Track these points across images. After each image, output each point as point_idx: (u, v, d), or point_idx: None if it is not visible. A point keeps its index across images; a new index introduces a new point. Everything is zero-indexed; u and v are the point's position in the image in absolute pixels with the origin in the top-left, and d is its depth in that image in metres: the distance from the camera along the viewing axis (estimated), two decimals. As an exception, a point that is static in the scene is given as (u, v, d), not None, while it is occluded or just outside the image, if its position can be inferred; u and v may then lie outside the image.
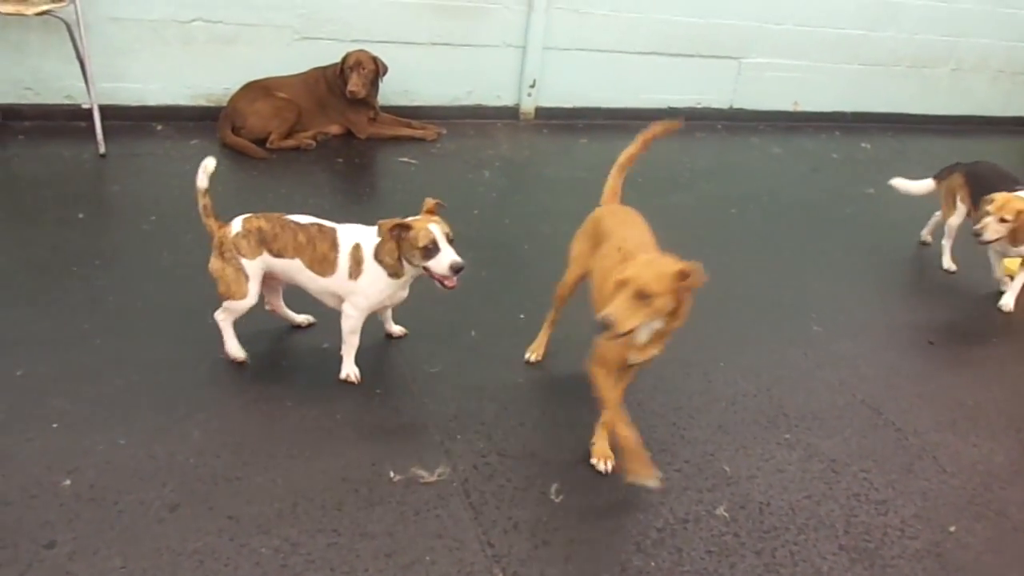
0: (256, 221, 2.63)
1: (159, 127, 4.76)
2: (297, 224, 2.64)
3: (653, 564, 2.16)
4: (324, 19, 4.95)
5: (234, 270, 2.60)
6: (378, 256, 2.57)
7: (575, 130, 5.75)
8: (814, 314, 3.54)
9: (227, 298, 2.64)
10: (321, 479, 2.31)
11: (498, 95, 5.65)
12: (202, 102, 4.90)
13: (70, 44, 4.24)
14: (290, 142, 4.73)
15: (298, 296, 2.82)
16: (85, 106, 4.36)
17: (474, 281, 3.36)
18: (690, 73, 6.05)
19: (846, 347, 3.32)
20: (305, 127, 4.85)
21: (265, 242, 2.61)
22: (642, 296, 2.11)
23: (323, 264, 2.61)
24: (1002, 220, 3.52)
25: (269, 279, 2.73)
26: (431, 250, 2.47)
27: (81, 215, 3.65)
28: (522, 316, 3.25)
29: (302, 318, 2.98)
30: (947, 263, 4.15)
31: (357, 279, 2.60)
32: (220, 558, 2.02)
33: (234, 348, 2.74)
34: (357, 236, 2.62)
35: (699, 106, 6.22)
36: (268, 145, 4.64)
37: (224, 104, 4.77)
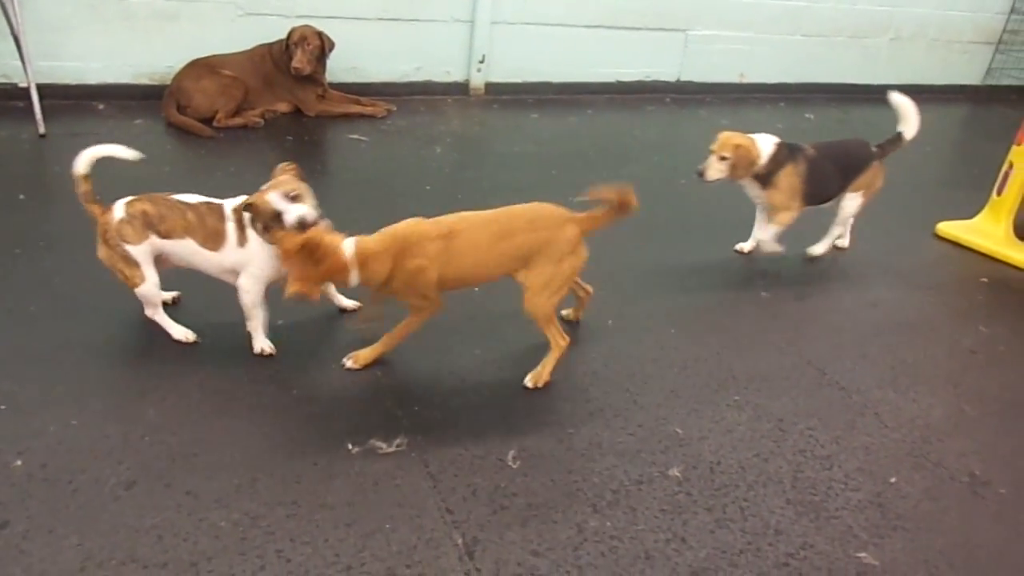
0: (140, 204, 2.56)
1: (101, 106, 4.64)
2: (185, 204, 2.58)
3: (609, 524, 2.22)
4: (269, -6, 4.87)
5: (121, 258, 2.57)
6: (254, 225, 2.56)
7: (525, 105, 5.77)
8: (761, 280, 3.64)
9: (130, 287, 2.61)
10: (279, 453, 2.31)
11: (447, 71, 5.63)
12: (145, 80, 4.80)
13: (3, 20, 4.10)
14: (237, 120, 4.66)
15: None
16: (22, 85, 4.23)
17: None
18: (638, 46, 6.11)
19: (793, 310, 3.42)
20: (252, 105, 4.78)
21: (151, 225, 2.55)
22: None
23: (215, 239, 2.57)
24: (722, 158, 3.41)
25: (156, 262, 2.66)
26: (278, 216, 2.46)
27: (22, 196, 3.55)
28: (476, 290, 3.27)
29: (170, 295, 2.89)
30: (841, 242, 4.04)
31: (245, 246, 2.57)
32: (179, 533, 2.02)
33: (178, 332, 2.73)
34: (238, 203, 2.58)
35: (648, 79, 6.28)
36: (215, 124, 4.57)
37: (168, 82, 4.67)
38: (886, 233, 4.31)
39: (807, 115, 6.37)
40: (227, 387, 2.56)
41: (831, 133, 6.14)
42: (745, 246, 3.91)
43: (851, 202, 3.79)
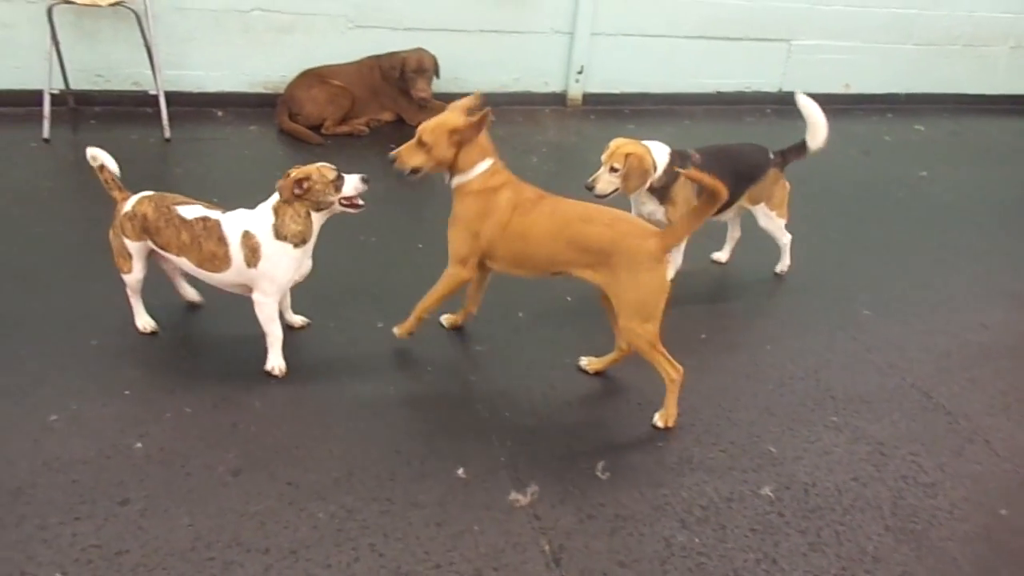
0: (144, 206, 2.59)
1: (220, 113, 4.92)
2: (181, 220, 2.55)
3: (697, 540, 2.20)
4: (376, 8, 5.05)
5: (120, 245, 2.65)
6: (281, 232, 2.51)
7: (622, 115, 5.76)
8: (863, 297, 3.52)
9: (120, 271, 2.69)
10: (375, 451, 2.40)
11: (545, 81, 5.69)
12: (260, 89, 5.05)
13: (139, 33, 4.41)
14: (344, 128, 4.85)
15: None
16: (151, 92, 4.53)
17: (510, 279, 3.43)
18: (739, 57, 6.01)
19: (896, 331, 3.29)
20: (358, 114, 4.96)
21: (148, 232, 2.59)
22: (421, 144, 2.56)
23: (214, 262, 2.56)
24: (613, 169, 3.06)
25: (160, 259, 2.72)
26: (339, 179, 2.52)
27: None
28: (569, 299, 3.30)
29: (193, 293, 2.96)
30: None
31: (257, 266, 2.54)
32: (280, 520, 2.13)
33: (140, 320, 2.79)
34: (245, 223, 2.54)
35: (748, 90, 6.17)
36: (323, 131, 4.77)
37: (281, 91, 4.90)
38: (998, 251, 4.09)
39: (917, 126, 6.11)
40: (328, 385, 2.67)
41: (944, 145, 5.88)
42: (721, 255, 3.70)
43: (763, 218, 3.46)
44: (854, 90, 6.36)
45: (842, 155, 5.41)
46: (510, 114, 5.46)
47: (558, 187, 4.57)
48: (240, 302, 2.91)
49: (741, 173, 3.30)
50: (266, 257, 2.52)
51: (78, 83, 4.65)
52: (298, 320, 2.93)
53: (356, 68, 4.99)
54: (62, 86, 4.53)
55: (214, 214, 2.57)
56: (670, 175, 3.12)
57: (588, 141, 5.27)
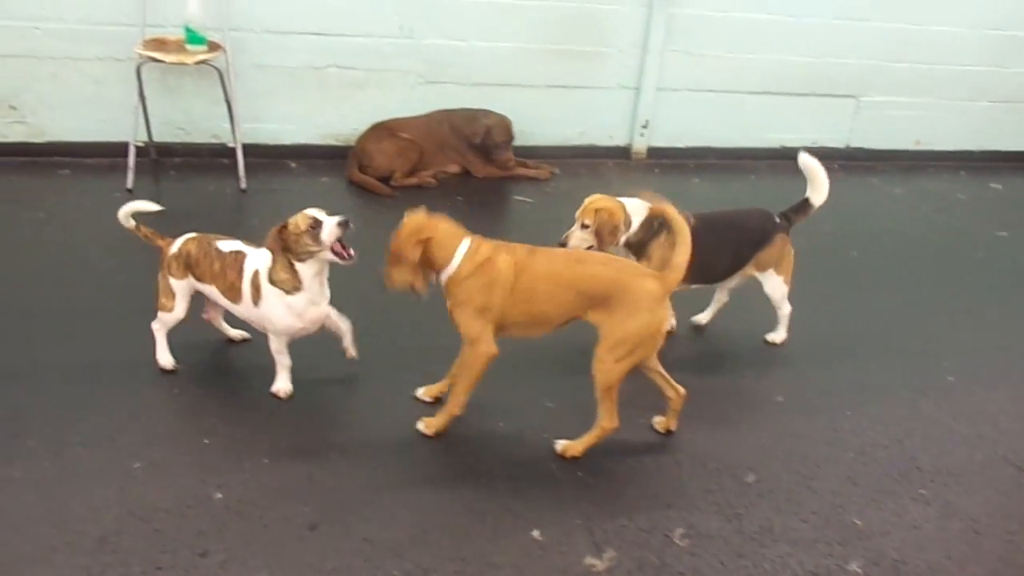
0: (189, 244, 2.72)
1: (293, 164, 5.06)
2: (217, 251, 2.68)
3: (781, 615, 2.12)
4: (447, 64, 5.17)
5: (166, 285, 2.76)
6: (272, 277, 2.54)
7: (686, 170, 5.75)
8: (947, 363, 3.39)
9: (159, 310, 2.80)
10: (449, 507, 2.38)
11: (610, 135, 5.72)
12: (331, 141, 5.19)
13: (219, 89, 4.59)
14: (412, 180, 4.94)
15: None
16: (230, 145, 4.70)
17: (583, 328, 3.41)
18: (805, 112, 5.96)
19: (984, 398, 3.16)
20: (426, 166, 5.05)
21: (190, 267, 2.72)
22: (396, 260, 2.49)
23: (232, 292, 2.66)
24: (584, 226, 3.01)
25: (212, 304, 2.84)
26: (316, 227, 2.45)
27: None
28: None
29: (236, 333, 3.05)
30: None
31: (259, 306, 2.61)
32: (357, 578, 2.12)
33: (163, 358, 2.87)
34: (258, 262, 2.61)
35: (814, 145, 6.09)
36: (392, 183, 4.87)
37: (352, 144, 5.03)
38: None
39: (993, 185, 5.95)
40: (399, 439, 2.67)
41: (1022, 205, 5.71)
42: (702, 318, 3.52)
43: (770, 285, 3.29)
44: (925, 147, 6.24)
45: (915, 213, 5.30)
46: (575, 167, 5.50)
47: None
48: (317, 353, 2.96)
49: (745, 241, 3.21)
50: (264, 299, 2.60)
51: (160, 136, 4.84)
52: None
53: (425, 121, 5.10)
54: (146, 139, 4.72)
55: (245, 249, 2.69)
56: (647, 232, 3.08)
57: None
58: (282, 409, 2.76)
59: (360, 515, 2.33)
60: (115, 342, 3.04)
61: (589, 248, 3.00)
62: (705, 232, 3.03)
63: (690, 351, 3.35)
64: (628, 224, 3.07)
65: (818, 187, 3.29)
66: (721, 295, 3.50)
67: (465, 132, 5.03)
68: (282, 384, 2.78)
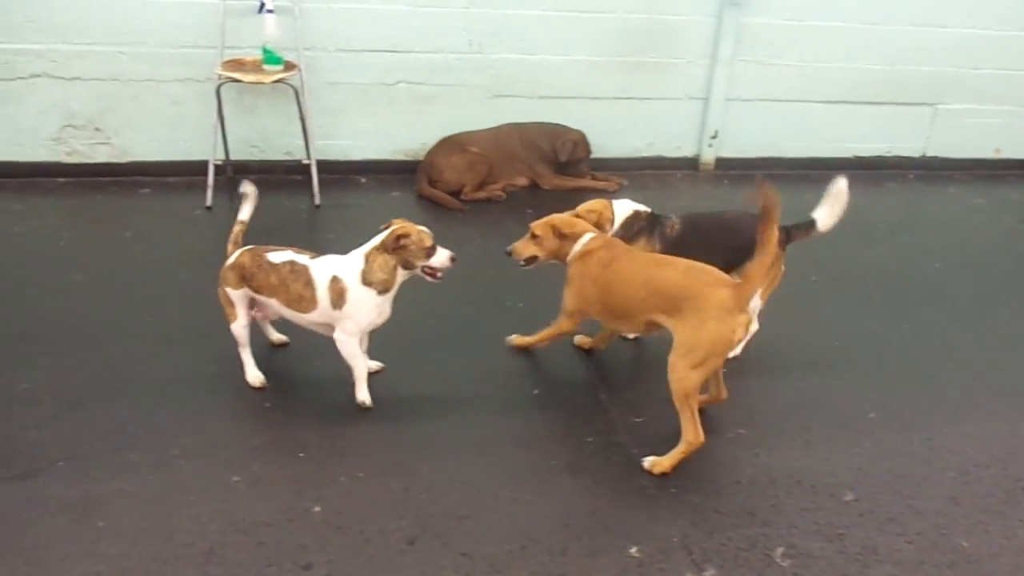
0: (243, 257, 2.82)
1: (363, 180, 5.14)
2: (270, 264, 2.77)
3: (891, 640, 2.05)
4: (515, 78, 5.20)
5: (225, 296, 2.86)
6: (368, 278, 2.69)
7: (755, 181, 5.66)
8: (1049, 378, 3.28)
9: (227, 320, 2.89)
10: (544, 523, 2.37)
11: (678, 146, 5.68)
12: (401, 156, 5.25)
13: (293, 107, 4.69)
14: (482, 194, 4.97)
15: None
16: (304, 161, 4.79)
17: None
18: (879, 121, 5.83)
19: (1089, 416, 3.04)
20: (495, 179, 5.08)
21: (245, 279, 2.81)
22: (533, 237, 2.97)
23: (301, 303, 2.75)
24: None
25: (258, 305, 2.92)
26: (432, 248, 2.70)
27: (304, 262, 4.00)
28: (724, 370, 3.21)
29: (277, 337, 3.18)
30: None
31: (343, 308, 2.71)
32: (458, 594, 2.12)
33: (252, 375, 2.95)
34: (333, 268, 2.72)
35: (889, 154, 5.97)
36: (462, 197, 4.90)
37: (421, 158, 5.09)
38: None
39: (1078, 193, 5.74)
40: (492, 451, 2.67)
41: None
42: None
43: None
44: (1005, 155, 6.05)
45: (998, 224, 5.14)
46: (642, 179, 5.47)
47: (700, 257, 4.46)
48: (401, 366, 2.99)
49: (729, 247, 2.96)
50: (351, 300, 2.70)
51: (236, 154, 4.96)
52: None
53: (494, 135, 5.13)
54: (223, 157, 4.85)
55: (302, 259, 2.78)
56: (628, 231, 3.11)
57: (722, 206, 5.18)
58: (371, 423, 2.79)
59: (457, 529, 2.33)
60: (206, 357, 3.11)
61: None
62: (689, 235, 3.06)
63: (775, 360, 3.29)
64: (609, 223, 3.15)
65: (831, 213, 3.01)
66: None
67: (543, 146, 5.06)
68: (364, 395, 2.86)
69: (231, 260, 2.85)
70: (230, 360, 3.04)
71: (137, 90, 4.79)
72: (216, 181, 4.68)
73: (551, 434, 2.77)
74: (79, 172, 4.92)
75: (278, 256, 2.79)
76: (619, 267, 2.76)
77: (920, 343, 3.51)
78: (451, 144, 5.05)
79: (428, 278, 2.76)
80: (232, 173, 4.99)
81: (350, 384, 2.88)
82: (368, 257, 2.70)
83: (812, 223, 3.05)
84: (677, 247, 3.01)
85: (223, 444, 2.65)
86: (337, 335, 2.78)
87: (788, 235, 3.05)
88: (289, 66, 4.56)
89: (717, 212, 3.27)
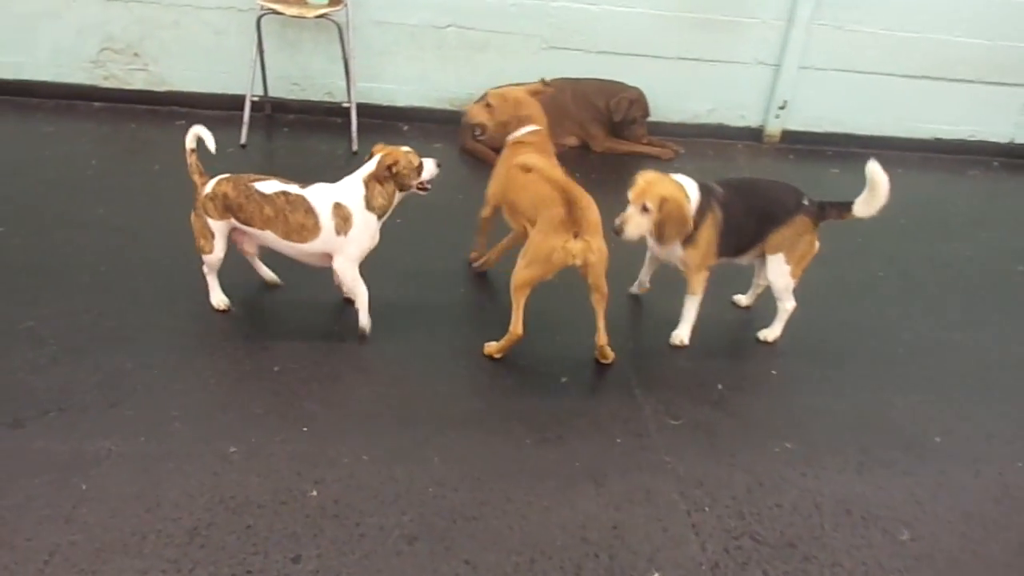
0: (223, 186, 2.72)
1: (405, 127, 4.88)
2: (262, 195, 2.69)
3: None
4: (573, 30, 4.85)
5: (201, 226, 2.77)
6: (371, 204, 2.74)
7: (824, 157, 5.25)
8: None
9: (200, 252, 2.82)
10: (559, 535, 2.15)
11: (742, 115, 5.28)
12: (446, 105, 4.97)
13: (337, 45, 4.43)
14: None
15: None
16: (344, 104, 4.54)
17: (716, 327, 3.11)
18: (965, 101, 5.34)
19: None
20: (543, 137, 4.77)
21: (230, 209, 2.72)
22: (487, 105, 3.23)
23: (301, 232, 2.72)
24: (644, 210, 2.70)
25: (239, 236, 2.86)
26: (420, 165, 2.78)
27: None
28: (773, 372, 2.93)
29: (270, 275, 3.10)
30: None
31: (347, 234, 2.72)
32: (456, 606, 1.92)
33: (216, 298, 2.92)
34: (334, 196, 2.73)
35: (972, 139, 5.48)
36: (506, 154, 4.61)
37: (466, 110, 4.79)
38: None
39: None
40: (510, 446, 2.45)
41: None
42: (743, 299, 3.31)
43: (774, 270, 2.94)
44: (1107, 146, 5.53)
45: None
46: (700, 147, 5.11)
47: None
48: (426, 334, 2.78)
49: (766, 213, 2.88)
50: (356, 225, 2.73)
51: (276, 91, 4.74)
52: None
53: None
54: (261, 93, 4.63)
55: (293, 188, 2.74)
56: (699, 215, 2.79)
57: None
58: (382, 400, 2.59)
59: (462, 531, 2.13)
60: (216, 314, 2.93)
61: (638, 237, 2.79)
62: (728, 198, 2.85)
63: (830, 366, 2.99)
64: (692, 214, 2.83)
65: (870, 196, 2.80)
66: (760, 276, 3.16)
67: (598, 104, 4.74)
68: (366, 321, 2.86)
69: (209, 189, 2.74)
70: (244, 315, 2.86)
71: (177, 15, 4.58)
72: (252, 118, 4.46)
73: (576, 431, 2.54)
74: (115, 98, 4.75)
75: (266, 186, 2.73)
76: (524, 181, 2.81)
77: (998, 358, 3.16)
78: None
79: (420, 192, 2.84)
80: (271, 111, 4.78)
81: (363, 359, 2.68)
82: (367, 184, 2.74)
83: (848, 205, 2.85)
84: (728, 216, 2.84)
85: (224, 407, 2.47)
86: (338, 263, 2.77)
87: (822, 209, 2.89)
88: (335, 0, 4.28)
89: (752, 178, 3.16)
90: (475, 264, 3.37)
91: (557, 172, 2.69)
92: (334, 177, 4.23)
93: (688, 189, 2.78)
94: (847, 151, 5.31)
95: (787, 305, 3.02)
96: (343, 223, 2.71)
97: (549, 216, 2.63)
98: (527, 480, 2.32)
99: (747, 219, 2.86)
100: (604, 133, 4.86)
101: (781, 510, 2.31)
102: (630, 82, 4.85)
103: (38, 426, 2.32)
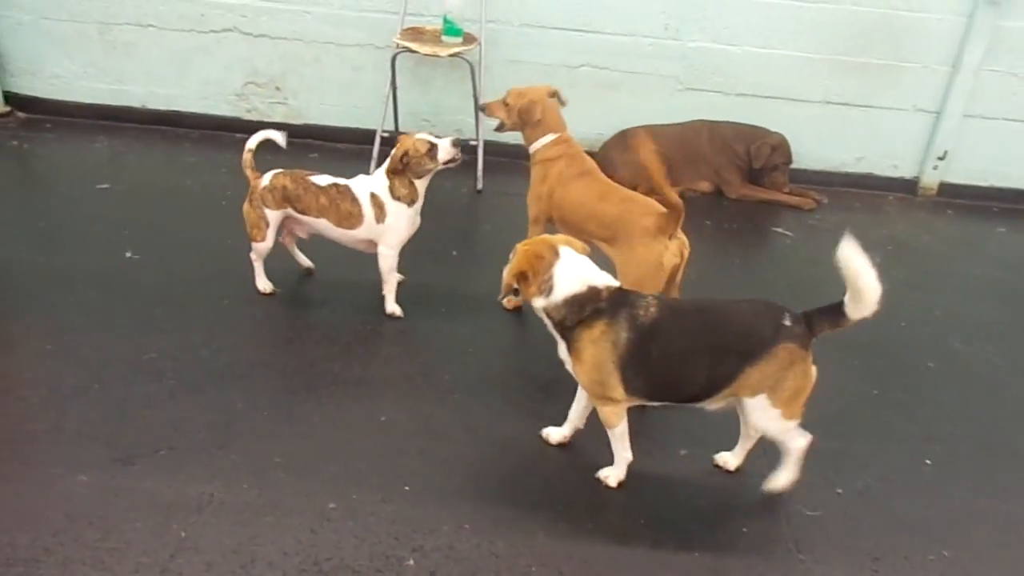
0: (282, 179, 2.98)
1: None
2: (318, 186, 2.96)
3: None
4: (711, 71, 4.63)
5: (257, 216, 3.01)
6: (395, 194, 2.93)
7: (989, 214, 4.75)
8: None
9: (252, 240, 3.06)
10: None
11: (895, 164, 4.86)
12: (575, 146, 4.84)
13: (469, 83, 4.41)
14: (657, 198, 4.47)
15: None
16: (472, 142, 4.50)
17: (858, 399, 2.79)
18: None
19: None
20: (674, 181, 4.54)
21: (288, 200, 2.98)
22: (504, 104, 3.29)
23: (350, 219, 2.97)
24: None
25: (292, 225, 3.11)
26: (433, 148, 2.88)
27: (455, 252, 3.72)
28: (928, 462, 2.58)
29: (305, 261, 3.34)
30: None
31: (384, 222, 2.95)
32: None
33: (261, 283, 3.18)
34: (369, 186, 2.96)
35: None
36: (635, 198, 4.43)
37: (596, 149, 4.65)
38: None
39: None
40: (620, 530, 2.24)
41: None
42: (730, 459, 2.47)
43: (759, 416, 2.19)
44: None
45: None
46: (845, 198, 4.73)
47: (909, 299, 3.71)
48: (539, 397, 2.63)
49: (730, 348, 2.15)
50: (390, 214, 2.96)
51: (406, 126, 4.76)
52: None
53: (680, 131, 4.60)
54: (392, 128, 4.66)
55: (341, 180, 3.00)
56: (574, 311, 2.18)
57: (946, 243, 4.38)
58: (487, 462, 2.45)
59: (565, 623, 1.94)
60: (338, 351, 2.90)
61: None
62: (670, 322, 2.17)
63: (997, 464, 2.60)
64: None
65: (859, 292, 2.03)
66: (747, 428, 2.41)
67: (736, 149, 4.50)
68: (393, 306, 3.10)
69: (267, 182, 2.98)
70: (360, 356, 2.82)
71: (318, 52, 4.70)
72: (381, 152, 4.48)
73: (696, 514, 2.30)
74: (255, 129, 4.83)
75: (320, 179, 2.99)
76: (571, 190, 2.96)
77: None
78: (629, 138, 4.57)
79: (451, 166, 2.97)
80: (400, 146, 4.83)
81: (467, 396, 2.56)
82: (388, 176, 2.94)
83: (839, 307, 2.08)
84: (652, 337, 2.17)
85: (328, 458, 2.40)
86: (381, 250, 3.02)
87: (809, 324, 2.14)
88: (469, 39, 4.27)
89: (710, 300, 2.36)
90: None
91: (658, 178, 2.76)
92: (455, 217, 4.22)
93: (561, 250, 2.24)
94: (1016, 208, 4.78)
95: (794, 445, 2.30)
96: (380, 212, 2.95)
97: (642, 227, 2.71)
98: (638, 567, 2.10)
99: (692, 357, 2.18)
100: (740, 179, 4.59)
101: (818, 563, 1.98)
102: (771, 127, 4.57)
103: (148, 465, 2.32)
